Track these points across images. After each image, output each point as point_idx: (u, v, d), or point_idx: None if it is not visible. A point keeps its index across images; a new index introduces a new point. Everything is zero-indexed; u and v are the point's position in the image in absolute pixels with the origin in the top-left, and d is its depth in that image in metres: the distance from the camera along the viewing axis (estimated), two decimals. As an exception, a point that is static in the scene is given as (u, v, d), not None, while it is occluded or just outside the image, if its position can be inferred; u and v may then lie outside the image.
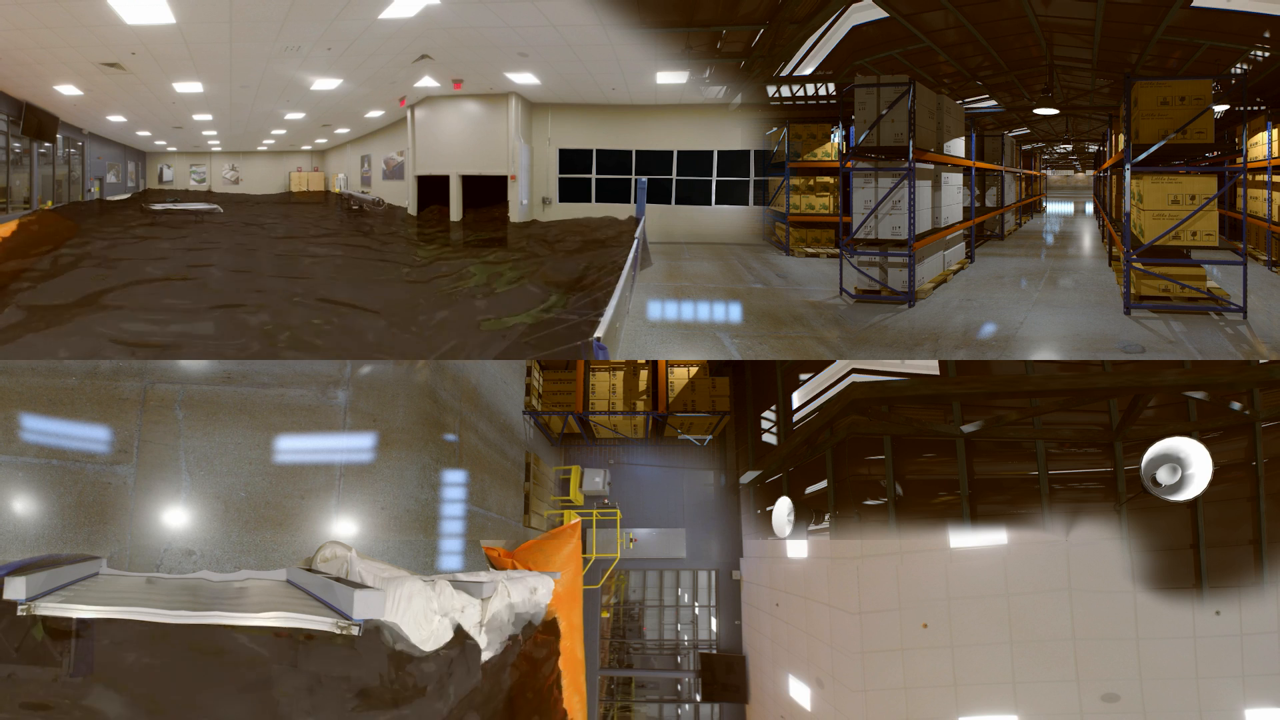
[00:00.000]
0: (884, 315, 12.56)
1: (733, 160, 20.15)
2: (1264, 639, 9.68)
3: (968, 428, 9.33)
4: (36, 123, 19.45)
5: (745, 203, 20.28)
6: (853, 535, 10.53)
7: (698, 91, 18.02)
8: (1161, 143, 11.92)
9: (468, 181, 20.98)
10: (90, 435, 7.55)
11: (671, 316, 12.60)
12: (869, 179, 13.63)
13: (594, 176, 20.64)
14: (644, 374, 17.57)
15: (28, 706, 5.75)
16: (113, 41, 13.87)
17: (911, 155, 13.17)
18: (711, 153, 20.15)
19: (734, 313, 12.68)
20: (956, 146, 16.84)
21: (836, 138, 18.47)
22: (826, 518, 11.37)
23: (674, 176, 20.31)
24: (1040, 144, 31.54)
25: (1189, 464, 8.92)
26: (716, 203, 20.32)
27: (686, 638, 20.31)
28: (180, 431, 7.82)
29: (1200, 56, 14.10)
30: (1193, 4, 11.83)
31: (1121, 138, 13.52)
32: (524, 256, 16.01)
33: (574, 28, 13.66)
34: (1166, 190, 11.93)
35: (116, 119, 21.87)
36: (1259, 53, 13.64)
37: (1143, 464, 9.21)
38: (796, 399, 13.39)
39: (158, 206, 21.63)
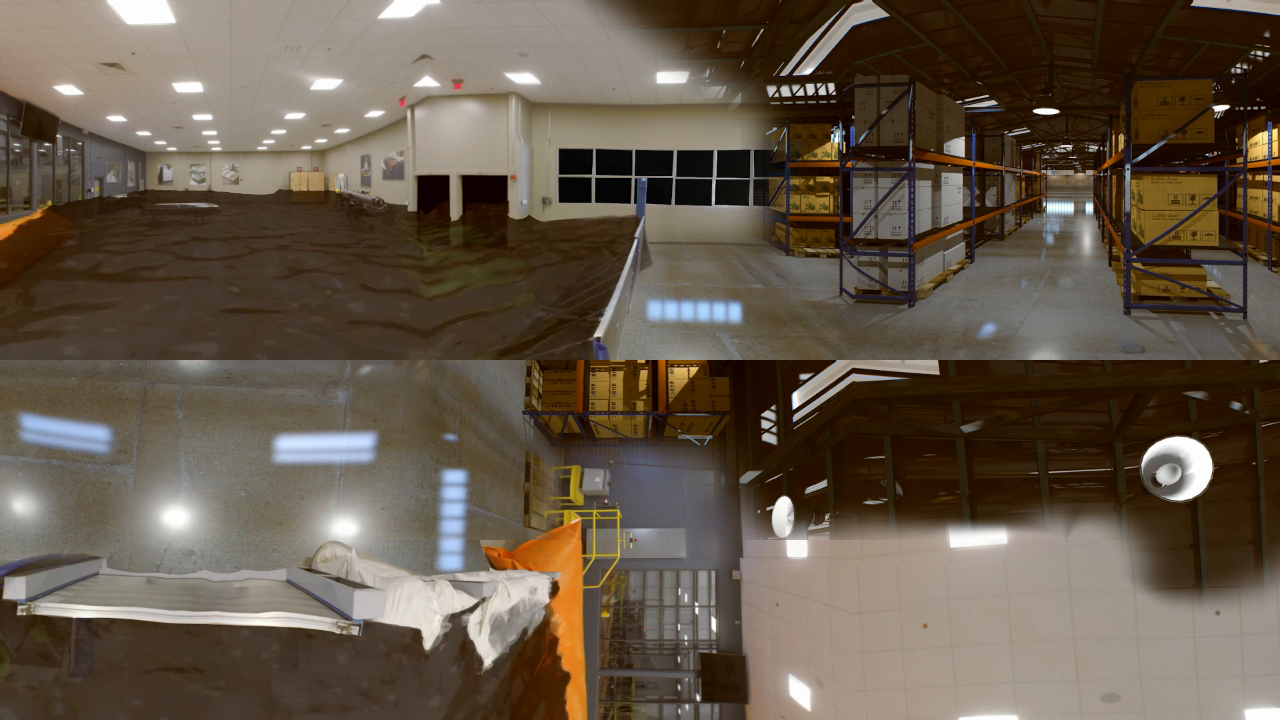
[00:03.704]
0: (884, 315, 12.56)
1: (733, 160, 20.14)
2: (1264, 639, 9.68)
3: (968, 428, 9.33)
4: (36, 123, 19.45)
5: (745, 203, 20.27)
6: (853, 535, 10.52)
7: (698, 91, 18.02)
8: (1161, 143, 11.92)
9: (468, 181, 20.97)
10: (90, 435, 7.55)
11: (671, 316, 12.59)
12: (869, 179, 13.63)
13: (594, 176, 20.63)
14: (644, 374, 17.56)
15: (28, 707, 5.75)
16: (113, 41, 13.87)
17: (911, 155, 13.17)
18: (711, 153, 20.14)
19: (734, 313, 12.68)
20: (956, 146, 16.83)
21: (836, 138, 18.47)
22: (826, 518, 11.37)
23: (674, 176, 20.30)
24: (1040, 144, 31.53)
25: (1189, 464, 8.91)
26: (716, 203, 20.31)
27: (686, 638, 20.30)
28: (180, 431, 7.82)
29: (1200, 56, 14.09)
30: (1193, 4, 11.83)
31: (1121, 138, 13.51)
32: (524, 256, 15.99)
33: (574, 28, 13.66)
34: (1166, 190, 11.93)
35: (116, 119, 21.87)
36: (1259, 53, 13.64)
37: (1143, 464, 9.20)
38: (796, 399, 13.39)
39: (204, 206, 21.80)
